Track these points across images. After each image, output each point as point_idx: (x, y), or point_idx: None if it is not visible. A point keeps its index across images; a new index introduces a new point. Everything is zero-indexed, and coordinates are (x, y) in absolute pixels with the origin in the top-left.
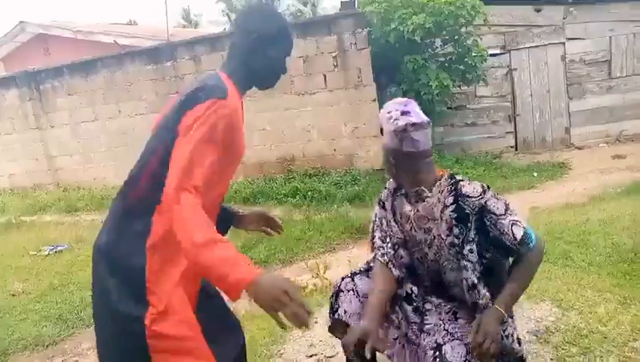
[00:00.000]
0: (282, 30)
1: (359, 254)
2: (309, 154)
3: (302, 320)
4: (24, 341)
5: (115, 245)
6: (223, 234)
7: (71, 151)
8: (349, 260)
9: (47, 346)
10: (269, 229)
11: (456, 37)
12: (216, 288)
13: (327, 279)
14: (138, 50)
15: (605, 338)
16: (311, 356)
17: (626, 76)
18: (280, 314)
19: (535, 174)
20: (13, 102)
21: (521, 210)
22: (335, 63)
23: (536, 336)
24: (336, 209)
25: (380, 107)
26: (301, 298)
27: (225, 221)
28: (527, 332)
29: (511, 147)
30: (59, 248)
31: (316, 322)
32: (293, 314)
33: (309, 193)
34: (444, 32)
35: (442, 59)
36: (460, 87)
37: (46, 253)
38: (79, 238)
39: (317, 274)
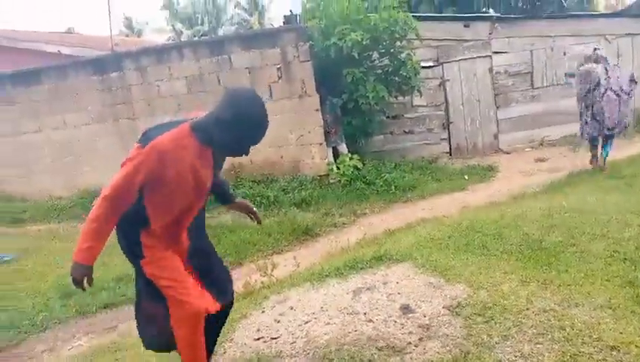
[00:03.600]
0: (254, 124)
1: (306, 254)
2: (257, 161)
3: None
4: None
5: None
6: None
7: (13, 162)
8: (294, 258)
9: (0, 351)
10: (251, 217)
11: (391, 50)
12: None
13: (274, 277)
14: (83, 61)
15: (505, 309)
16: (258, 339)
17: (547, 86)
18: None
19: (466, 177)
20: None
21: (451, 210)
22: (279, 75)
23: (449, 310)
24: (285, 213)
25: (322, 117)
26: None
27: (224, 200)
28: (443, 307)
29: (445, 152)
30: (5, 258)
31: (263, 311)
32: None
33: (258, 198)
34: (380, 46)
35: (379, 71)
36: (396, 97)
37: None
38: (26, 249)
39: (265, 273)
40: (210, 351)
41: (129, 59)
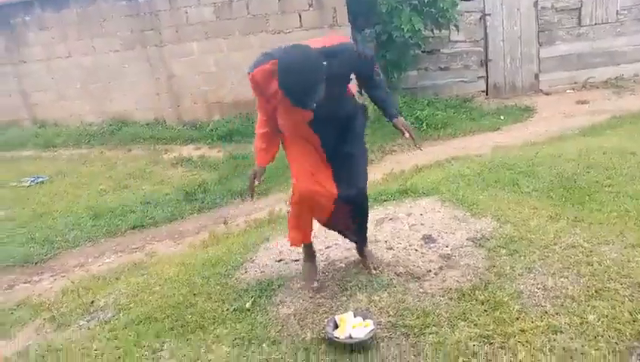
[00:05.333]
0: (298, 91)
1: None
2: None
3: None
4: (13, 259)
5: None
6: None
7: (45, 87)
8: None
9: (36, 263)
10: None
11: None
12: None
13: None
14: None
15: (531, 243)
16: (279, 260)
17: (595, 24)
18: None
19: (502, 117)
20: None
21: (484, 149)
22: (310, 2)
23: (474, 242)
24: None
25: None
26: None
27: (385, 115)
28: (467, 239)
29: (482, 91)
30: (40, 179)
31: (285, 237)
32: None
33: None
34: None
35: (416, 2)
36: (433, 31)
37: (27, 183)
38: (59, 171)
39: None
40: (353, 240)
41: None
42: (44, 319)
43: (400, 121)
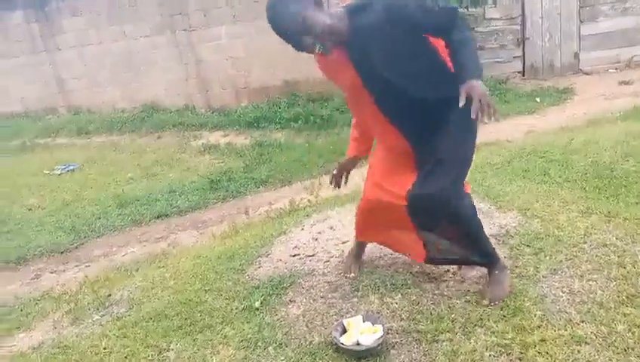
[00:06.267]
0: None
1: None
2: (313, 78)
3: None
4: (41, 248)
5: None
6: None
7: (79, 74)
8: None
9: (62, 253)
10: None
11: None
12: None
13: (320, 196)
14: None
15: (559, 241)
16: (294, 256)
17: None
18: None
19: (538, 100)
20: (18, 23)
21: (517, 134)
22: None
23: (497, 239)
24: (337, 133)
25: None
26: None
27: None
28: (490, 235)
29: (518, 72)
30: (71, 167)
31: (302, 229)
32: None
33: (312, 117)
34: None
35: None
36: (467, 8)
37: (59, 172)
38: (90, 159)
39: (312, 192)
40: (475, 262)
41: None
42: (64, 312)
43: (468, 85)
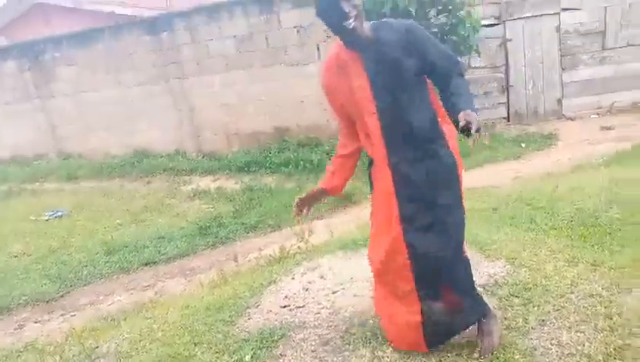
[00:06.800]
0: None
1: (345, 220)
2: (303, 124)
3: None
4: (26, 297)
5: None
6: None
7: (72, 120)
8: (327, 226)
9: (47, 302)
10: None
11: (450, 7)
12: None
13: (310, 243)
14: (136, 21)
15: (547, 291)
16: (284, 307)
17: (620, 47)
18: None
19: (523, 145)
20: (12, 72)
21: (503, 180)
22: (328, 34)
23: (486, 289)
24: None
25: None
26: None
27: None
28: (478, 285)
29: (503, 118)
30: (58, 213)
31: (293, 278)
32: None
33: (302, 162)
34: (438, 2)
35: (436, 29)
36: None
37: (46, 218)
38: (78, 204)
39: (302, 238)
40: (470, 321)
41: (180, 19)
42: None
43: (462, 114)
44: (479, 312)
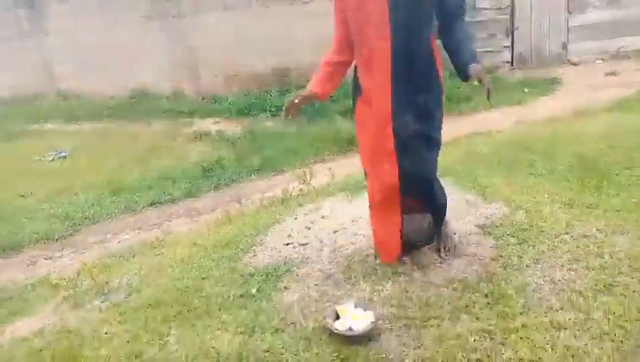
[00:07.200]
0: None
1: (346, 163)
2: (303, 66)
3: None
4: (36, 235)
5: None
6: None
7: (67, 60)
8: (329, 169)
9: (57, 240)
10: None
11: None
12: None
13: (311, 185)
14: None
15: (542, 231)
16: (287, 244)
17: None
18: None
19: (526, 90)
20: (6, 9)
21: (505, 124)
22: None
23: (482, 229)
24: (329, 122)
25: None
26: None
27: (458, 73)
28: (475, 225)
29: (507, 62)
30: (62, 154)
31: (296, 218)
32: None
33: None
34: None
35: None
36: None
37: (50, 158)
38: (80, 145)
39: (304, 180)
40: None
41: None
42: (63, 297)
43: (475, 68)
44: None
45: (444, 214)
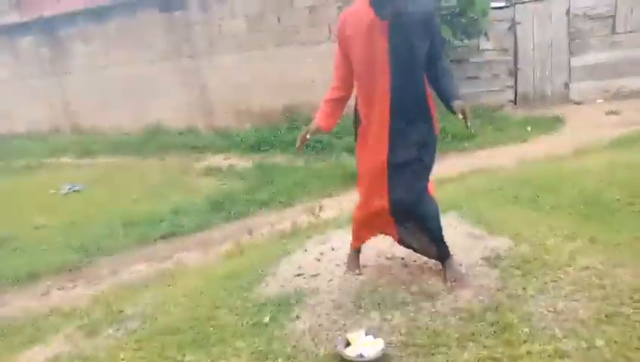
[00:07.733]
0: None
1: (354, 198)
2: (313, 104)
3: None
4: (49, 266)
5: None
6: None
7: (86, 96)
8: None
9: (70, 271)
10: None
11: None
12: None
13: (320, 217)
14: None
15: (545, 264)
16: (298, 275)
17: (630, 32)
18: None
19: (529, 128)
20: (28, 48)
21: (508, 161)
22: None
23: (488, 262)
24: (335, 158)
25: None
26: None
27: (442, 101)
28: (481, 258)
29: (510, 101)
30: (76, 188)
31: (306, 250)
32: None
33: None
34: None
35: (445, 12)
36: (462, 40)
37: (64, 192)
38: (95, 179)
39: (313, 213)
40: (434, 256)
41: None
42: (76, 326)
43: (459, 104)
44: (442, 250)
45: (439, 226)
